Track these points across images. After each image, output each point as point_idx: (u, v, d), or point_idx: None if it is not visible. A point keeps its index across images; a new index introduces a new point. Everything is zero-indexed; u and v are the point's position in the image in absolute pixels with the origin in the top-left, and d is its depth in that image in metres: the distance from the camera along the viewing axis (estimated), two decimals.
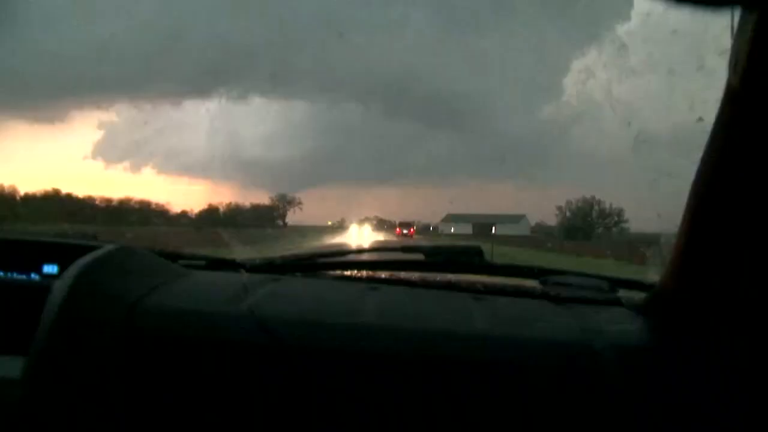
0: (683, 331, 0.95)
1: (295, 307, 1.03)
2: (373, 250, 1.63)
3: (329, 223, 67.60)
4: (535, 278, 1.29)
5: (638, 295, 1.14)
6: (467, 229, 68.89)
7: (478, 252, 1.35)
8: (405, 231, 49.79)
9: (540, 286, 1.25)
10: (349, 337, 0.96)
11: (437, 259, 1.34)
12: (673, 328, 0.97)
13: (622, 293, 1.21)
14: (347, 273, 1.33)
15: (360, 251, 1.65)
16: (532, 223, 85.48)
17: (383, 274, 1.32)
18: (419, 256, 1.36)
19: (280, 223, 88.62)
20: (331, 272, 1.33)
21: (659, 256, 1.04)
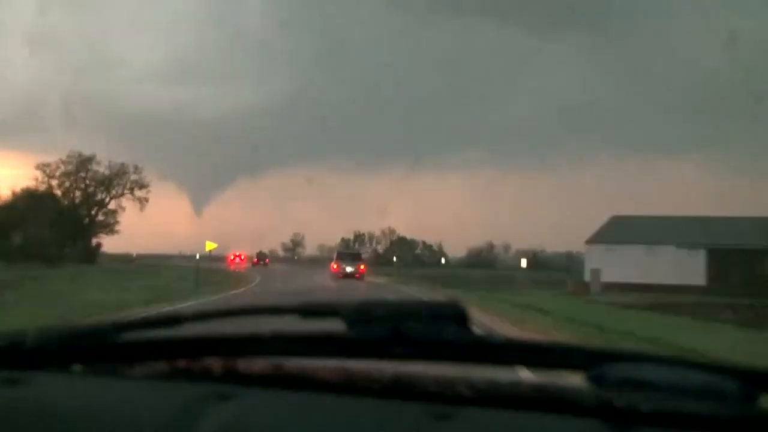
0: None
1: None
2: (238, 312, 0.88)
3: (209, 250, 32.93)
4: (578, 369, 0.74)
5: None
6: (687, 261, 38.07)
7: (457, 313, 0.77)
8: (348, 269, 34.59)
9: (589, 387, 0.71)
10: None
11: (371, 330, 0.76)
12: None
13: None
14: (179, 364, 0.81)
15: (212, 316, 0.88)
16: None
17: (254, 365, 0.79)
18: (335, 325, 0.78)
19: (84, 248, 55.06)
20: (147, 364, 0.82)
21: None
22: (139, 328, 0.83)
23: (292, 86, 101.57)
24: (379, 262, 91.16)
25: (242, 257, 66.75)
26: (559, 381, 0.72)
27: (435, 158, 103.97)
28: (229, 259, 64.13)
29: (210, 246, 35.85)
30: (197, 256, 32.88)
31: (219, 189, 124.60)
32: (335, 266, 36.67)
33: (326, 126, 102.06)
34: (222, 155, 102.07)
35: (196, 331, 0.82)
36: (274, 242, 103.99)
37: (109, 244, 70.12)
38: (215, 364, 0.78)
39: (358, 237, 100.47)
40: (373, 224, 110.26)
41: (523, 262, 31.46)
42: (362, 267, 37.13)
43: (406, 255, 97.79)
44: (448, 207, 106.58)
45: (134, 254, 74.80)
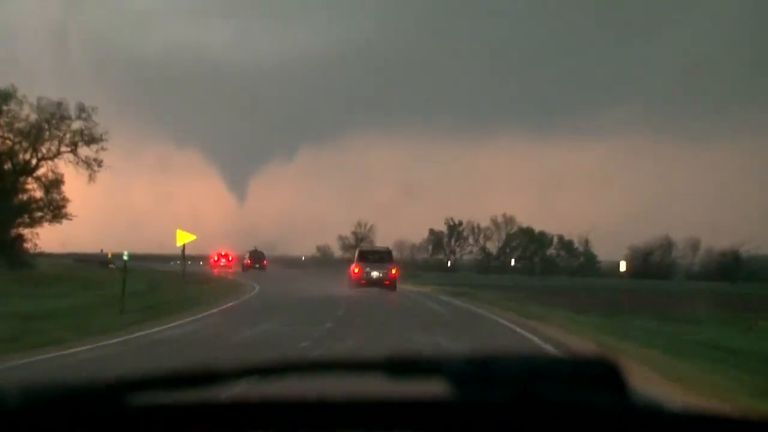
0: None
1: None
2: (301, 367, 0.68)
3: (182, 244, 23.58)
4: None
5: None
6: None
7: (609, 371, 0.62)
8: (374, 274, 29.36)
9: None
10: None
11: (489, 394, 0.59)
12: None
13: None
14: None
15: (263, 372, 0.68)
16: None
17: None
18: (436, 386, 0.60)
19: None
20: None
21: None
22: (162, 387, 0.64)
23: (368, 25, 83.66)
24: (489, 265, 70.72)
25: (230, 258, 55.51)
26: None
27: (570, 118, 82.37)
28: (212, 261, 53.23)
29: (183, 238, 23.51)
30: (125, 256, 20.76)
31: (260, 165, 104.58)
32: (356, 270, 29.37)
33: (412, 75, 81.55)
34: (267, 117, 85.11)
35: (240, 392, 0.64)
36: (329, 236, 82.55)
37: (74, 237, 56.09)
38: None
39: (453, 228, 76.49)
40: (478, 211, 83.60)
41: None
42: (394, 271, 29.76)
43: (531, 256, 75.12)
44: (595, 187, 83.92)
45: (108, 254, 52.62)
